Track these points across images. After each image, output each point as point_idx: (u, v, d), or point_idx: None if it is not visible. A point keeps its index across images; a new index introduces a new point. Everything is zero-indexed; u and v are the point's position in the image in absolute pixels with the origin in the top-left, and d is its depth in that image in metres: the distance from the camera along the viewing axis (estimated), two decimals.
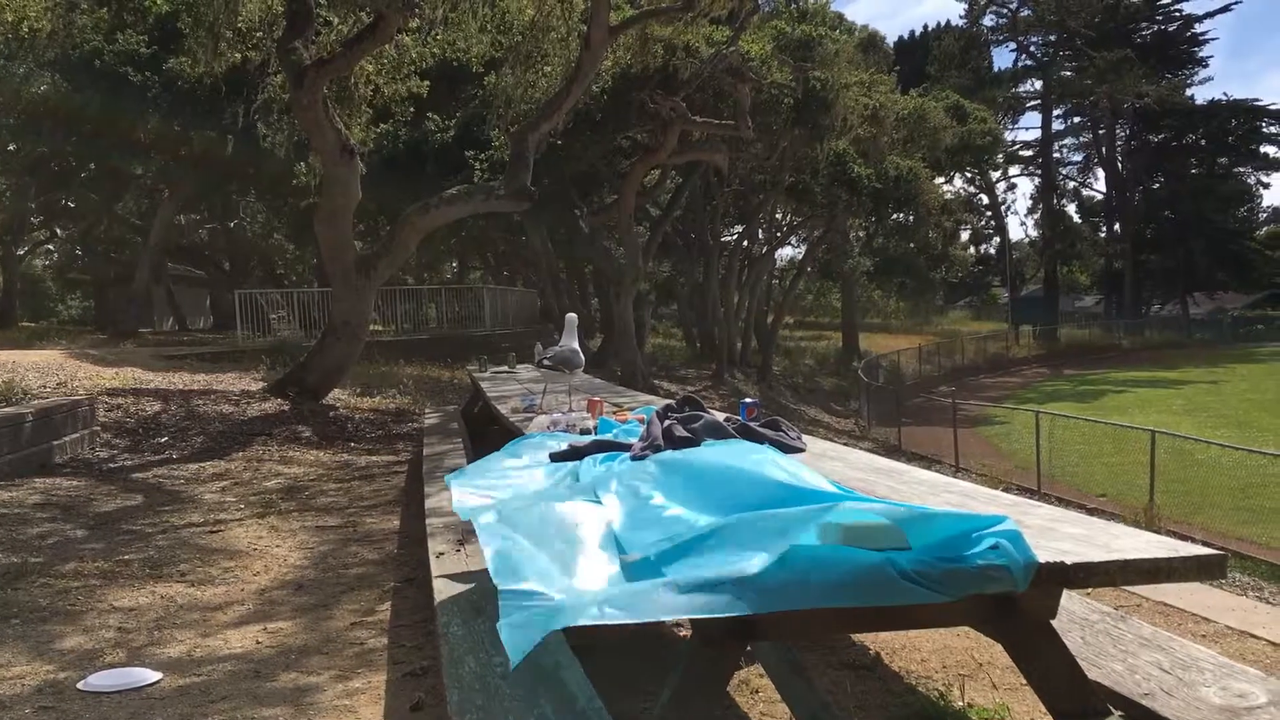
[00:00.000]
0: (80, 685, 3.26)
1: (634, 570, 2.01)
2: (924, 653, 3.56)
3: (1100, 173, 56.02)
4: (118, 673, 3.36)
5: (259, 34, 10.72)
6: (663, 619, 1.84)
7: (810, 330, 42.30)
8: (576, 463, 3.12)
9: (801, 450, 3.42)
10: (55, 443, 7.45)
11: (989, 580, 1.78)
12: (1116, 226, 54.34)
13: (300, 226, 21.93)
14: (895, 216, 27.49)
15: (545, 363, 4.96)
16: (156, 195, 23.44)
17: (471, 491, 2.96)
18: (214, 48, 10.62)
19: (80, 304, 31.67)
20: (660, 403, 4.36)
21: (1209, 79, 79.48)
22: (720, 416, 3.62)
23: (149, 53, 16.60)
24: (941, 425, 17.92)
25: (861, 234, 32.14)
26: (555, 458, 3.24)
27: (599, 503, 2.54)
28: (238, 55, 11.07)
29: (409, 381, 13.66)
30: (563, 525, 2.32)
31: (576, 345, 4.97)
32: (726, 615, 1.76)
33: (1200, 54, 52.85)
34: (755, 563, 1.80)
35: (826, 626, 2.39)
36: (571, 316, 5.12)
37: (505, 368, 9.09)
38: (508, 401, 5.82)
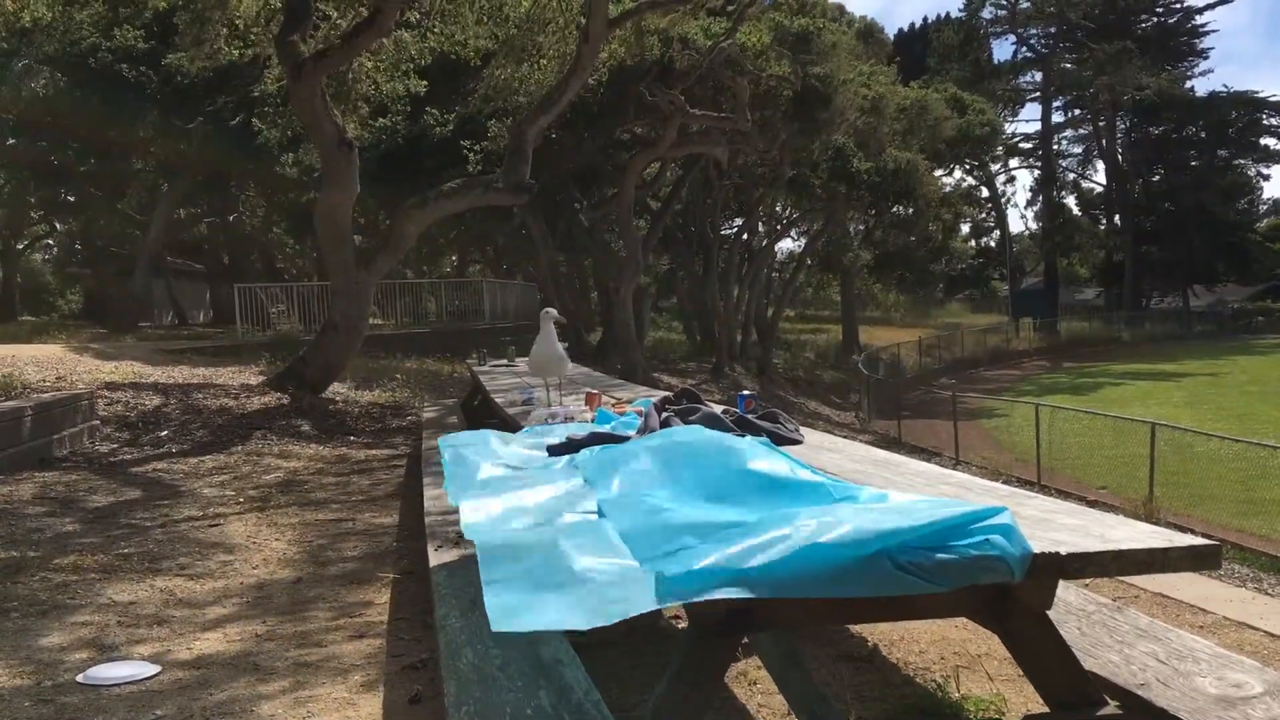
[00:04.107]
0: (79, 678, 3.27)
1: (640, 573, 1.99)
2: (922, 644, 3.56)
3: (1100, 165, 56.09)
4: (117, 666, 3.37)
5: (256, 29, 10.71)
6: (659, 608, 1.84)
7: (810, 323, 42.30)
8: (573, 456, 3.11)
9: (799, 442, 3.41)
10: (55, 437, 7.46)
11: (985, 571, 1.78)
12: (1116, 219, 54.30)
13: (300, 221, 21.94)
14: (895, 209, 27.48)
15: (523, 371, 4.51)
16: (156, 190, 23.42)
17: (473, 502, 2.90)
18: (208, 40, 10.59)
19: (79, 299, 31.65)
20: (659, 395, 4.35)
21: (1209, 70, 79.39)
22: (718, 409, 3.62)
23: (146, 48, 16.59)
24: (941, 418, 17.92)
25: (861, 227, 32.10)
26: (553, 451, 3.24)
27: (595, 492, 2.53)
28: (235, 49, 11.05)
29: (408, 375, 13.66)
30: (560, 539, 2.27)
31: (557, 347, 4.70)
32: (723, 602, 1.75)
33: (1201, 45, 52.98)
34: (755, 561, 1.79)
35: (823, 617, 2.39)
36: (548, 312, 4.74)
37: (504, 361, 9.09)
38: (506, 394, 5.82)
